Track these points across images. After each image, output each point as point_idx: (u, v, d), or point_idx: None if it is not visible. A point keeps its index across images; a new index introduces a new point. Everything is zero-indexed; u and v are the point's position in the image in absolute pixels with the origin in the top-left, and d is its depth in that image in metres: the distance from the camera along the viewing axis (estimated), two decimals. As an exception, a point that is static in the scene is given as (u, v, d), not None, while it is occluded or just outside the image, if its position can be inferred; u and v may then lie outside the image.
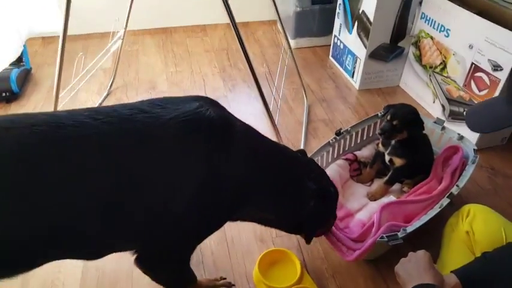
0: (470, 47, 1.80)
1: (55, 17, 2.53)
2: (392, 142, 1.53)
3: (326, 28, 2.64)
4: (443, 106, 2.03)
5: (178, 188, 0.92)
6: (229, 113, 1.04)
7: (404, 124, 1.46)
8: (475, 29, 1.77)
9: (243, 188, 1.03)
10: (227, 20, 1.39)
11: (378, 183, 1.61)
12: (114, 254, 1.00)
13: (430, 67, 2.08)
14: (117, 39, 2.22)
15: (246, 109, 2.13)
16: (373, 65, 2.26)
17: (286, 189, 1.13)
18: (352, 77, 2.38)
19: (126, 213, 0.89)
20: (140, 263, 1.01)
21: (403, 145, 1.50)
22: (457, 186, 1.40)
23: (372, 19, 2.09)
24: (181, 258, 1.07)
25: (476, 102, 1.83)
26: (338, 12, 2.43)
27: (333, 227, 1.40)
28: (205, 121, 0.94)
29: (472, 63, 1.81)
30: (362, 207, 1.51)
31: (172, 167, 0.91)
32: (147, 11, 2.73)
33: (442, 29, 1.96)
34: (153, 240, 0.96)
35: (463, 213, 1.26)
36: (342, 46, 2.46)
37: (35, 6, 2.53)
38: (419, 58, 2.16)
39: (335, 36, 2.52)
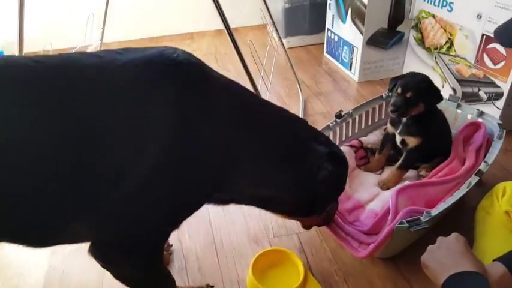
0: (479, 17, 1.62)
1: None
2: (404, 120, 1.31)
3: (318, 25, 2.48)
4: (454, 89, 1.82)
5: (138, 148, 0.70)
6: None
7: (419, 95, 1.24)
8: (482, -5, 1.59)
9: (229, 153, 0.80)
10: (215, 27, 1.26)
11: (389, 170, 1.37)
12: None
13: (435, 48, 1.89)
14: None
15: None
16: (372, 54, 2.07)
17: (289, 155, 0.89)
18: (350, 69, 2.19)
19: (71, 180, 0.68)
20: (95, 250, 0.76)
21: (417, 121, 1.28)
22: (485, 162, 1.17)
23: (365, 1, 1.92)
24: (149, 246, 0.80)
25: (492, 78, 1.63)
26: (329, 3, 2.27)
27: (341, 221, 1.17)
28: (174, 64, 0.74)
29: (483, 35, 1.61)
30: (373, 198, 1.28)
31: (129, 120, 0.70)
32: (134, 21, 2.65)
33: (444, 3, 1.78)
34: (108, 218, 0.72)
35: (497, 193, 1.04)
36: (336, 38, 2.28)
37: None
38: (421, 41, 1.97)
39: (328, 29, 2.35)
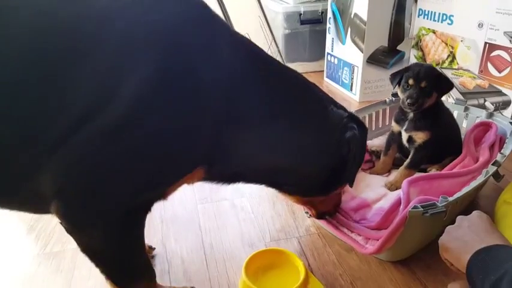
0: (480, 25, 1.58)
1: None
2: (410, 115, 1.22)
3: (318, 52, 2.47)
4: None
5: (117, 76, 0.59)
6: None
7: (433, 84, 1.15)
8: (481, 3, 1.57)
9: (229, 106, 0.68)
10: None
11: (397, 172, 1.26)
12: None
13: (437, 64, 1.84)
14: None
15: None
16: (373, 72, 2.03)
17: (307, 115, 0.78)
18: (351, 89, 2.14)
19: (31, 114, 0.57)
20: (60, 207, 0.63)
21: (424, 116, 1.19)
22: (502, 153, 1.07)
23: (365, 18, 1.91)
24: (120, 207, 0.65)
25: (497, 87, 1.56)
26: (329, 27, 2.27)
27: (344, 218, 1.05)
28: None
29: (486, 43, 1.57)
30: (381, 198, 1.15)
31: (112, 40, 0.60)
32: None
33: (444, 17, 1.76)
34: (72, 166, 0.60)
35: None
36: (336, 61, 2.25)
37: None
38: (422, 59, 1.93)
39: (328, 54, 2.33)
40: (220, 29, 0.72)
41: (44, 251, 1.10)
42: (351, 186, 0.94)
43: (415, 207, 0.87)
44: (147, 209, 0.71)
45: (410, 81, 1.16)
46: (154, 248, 1.08)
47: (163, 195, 0.71)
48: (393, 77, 1.24)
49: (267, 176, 0.84)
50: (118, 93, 0.59)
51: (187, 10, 0.68)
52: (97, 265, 0.71)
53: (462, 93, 1.72)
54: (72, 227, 0.66)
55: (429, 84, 1.14)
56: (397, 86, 1.22)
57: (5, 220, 1.24)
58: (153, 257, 1.06)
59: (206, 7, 0.71)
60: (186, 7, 0.68)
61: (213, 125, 0.68)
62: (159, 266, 1.03)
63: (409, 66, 1.22)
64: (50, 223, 1.20)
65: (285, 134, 0.76)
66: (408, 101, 1.15)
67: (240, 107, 0.70)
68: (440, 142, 1.21)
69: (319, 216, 1.04)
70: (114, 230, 0.67)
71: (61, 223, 0.66)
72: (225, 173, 0.79)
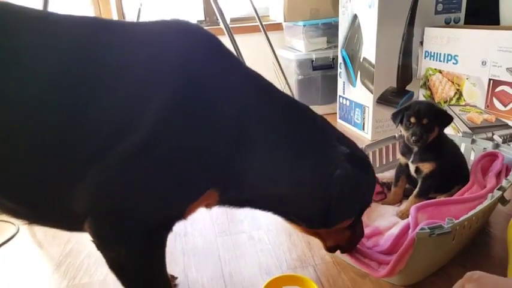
0: (484, 63, 1.67)
1: None
2: (415, 149, 1.29)
3: (330, 95, 2.58)
4: (468, 138, 1.81)
5: (141, 103, 0.68)
6: None
7: (433, 119, 1.23)
8: (484, 43, 1.66)
9: (241, 133, 0.76)
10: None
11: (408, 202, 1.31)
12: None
13: (445, 102, 1.92)
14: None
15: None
16: (383, 112, 2.11)
17: (309, 149, 0.83)
18: (363, 129, 2.22)
19: (66, 135, 0.67)
20: (91, 225, 0.71)
21: (428, 148, 1.26)
22: (507, 179, 1.12)
23: (374, 62, 2.02)
24: (145, 224, 0.73)
25: (504, 120, 1.62)
26: (340, 72, 2.39)
27: (358, 245, 1.09)
28: (192, 27, 0.77)
29: (490, 80, 1.65)
30: (392, 225, 1.20)
31: (139, 68, 0.70)
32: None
33: (449, 58, 1.85)
34: (102, 186, 0.69)
35: None
36: (348, 103, 2.35)
37: None
38: (431, 98, 2.01)
39: (340, 96, 2.44)
40: (232, 61, 0.81)
41: (73, 282, 1.17)
42: (330, 227, 0.93)
43: (422, 228, 0.92)
44: (169, 228, 0.78)
45: (412, 119, 1.24)
46: (177, 278, 1.14)
47: (183, 214, 0.78)
48: (395, 117, 1.32)
49: (272, 203, 0.89)
50: (142, 119, 0.67)
51: (202, 44, 0.77)
52: (123, 283, 0.78)
53: (471, 128, 1.78)
54: (102, 243, 0.73)
55: (430, 120, 1.22)
56: (399, 124, 1.30)
57: (35, 255, 1.32)
58: (175, 286, 1.12)
59: (219, 43, 0.81)
60: (201, 41, 0.77)
61: (225, 149, 0.75)
62: (181, 294, 1.08)
63: (409, 105, 1.30)
64: (78, 258, 1.28)
65: (286, 164, 0.82)
66: (413, 138, 1.23)
67: (249, 135, 0.77)
68: (447, 171, 1.26)
69: (329, 249, 1.07)
70: (139, 247, 0.74)
71: (92, 241, 0.74)
72: (238, 198, 0.86)
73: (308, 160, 0.84)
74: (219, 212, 1.50)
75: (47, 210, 0.75)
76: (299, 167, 0.83)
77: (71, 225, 0.77)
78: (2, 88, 0.65)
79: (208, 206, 0.86)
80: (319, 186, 0.85)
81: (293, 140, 0.83)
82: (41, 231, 1.45)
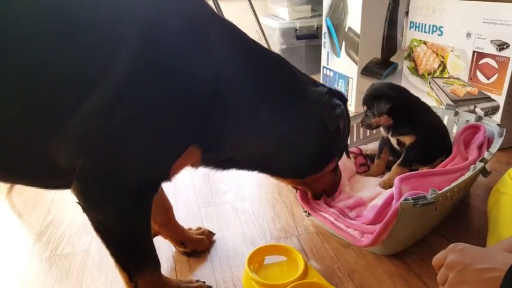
0: (468, 35, 1.67)
1: None
2: (391, 122, 1.30)
3: (314, 66, 2.55)
4: (450, 110, 1.83)
5: (112, 51, 0.65)
6: None
7: (371, 106, 1.26)
8: (469, 15, 1.66)
9: (218, 86, 0.73)
10: None
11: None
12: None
13: (429, 74, 1.92)
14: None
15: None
16: (367, 83, 2.06)
17: (290, 97, 0.83)
18: (347, 100, 2.21)
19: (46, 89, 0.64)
20: (77, 185, 0.70)
21: (404, 122, 1.27)
22: (489, 151, 1.14)
23: (359, 32, 2.00)
24: (131, 183, 0.71)
25: (486, 93, 1.64)
26: (324, 42, 2.36)
27: (341, 215, 1.10)
28: None
29: (474, 52, 1.66)
30: (376, 196, 1.21)
31: (105, 14, 0.66)
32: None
33: (434, 29, 1.84)
34: (84, 138, 0.67)
35: (510, 174, 1.00)
36: (331, 74, 2.33)
37: None
38: (415, 69, 2.02)
39: (323, 67, 2.42)
40: (206, 10, 0.78)
41: (55, 252, 1.15)
42: (348, 156, 1.01)
43: (406, 199, 0.93)
44: (154, 189, 0.77)
45: (364, 108, 1.29)
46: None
47: (167, 174, 0.77)
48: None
49: (258, 161, 0.89)
50: (111, 72, 0.65)
51: None
52: (108, 245, 0.77)
53: (453, 101, 1.79)
54: (87, 203, 0.72)
55: (369, 107, 1.26)
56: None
57: (15, 226, 1.30)
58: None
59: None
60: None
61: (202, 103, 0.73)
62: (165, 264, 1.07)
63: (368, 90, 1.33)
64: (60, 228, 1.26)
65: (269, 118, 0.81)
66: (361, 125, 1.32)
67: (226, 88, 0.75)
68: (429, 142, 1.27)
69: (316, 196, 1.09)
70: (125, 207, 0.73)
71: (78, 202, 0.72)
72: (219, 158, 0.85)
73: (290, 110, 0.84)
74: (202, 183, 1.49)
75: (31, 168, 0.73)
76: (283, 119, 0.83)
77: (58, 184, 0.75)
78: None
79: (194, 165, 0.85)
80: (310, 132, 0.87)
81: (273, 91, 0.82)
82: (20, 201, 1.42)
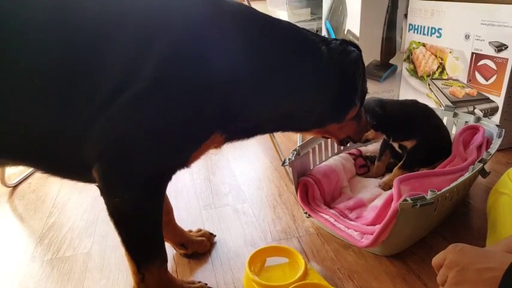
0: (467, 37, 1.68)
1: None
2: (391, 127, 1.30)
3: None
4: (449, 112, 1.83)
5: (141, 53, 0.70)
6: None
7: None
8: (467, 16, 1.67)
9: (234, 64, 0.77)
10: None
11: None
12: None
13: (428, 75, 1.93)
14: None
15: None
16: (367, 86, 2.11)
17: (305, 54, 0.85)
18: (347, 102, 2.22)
19: (74, 87, 0.69)
20: (98, 171, 0.73)
21: (403, 127, 1.28)
22: (488, 152, 1.14)
23: (358, 34, 2.01)
24: (150, 171, 0.75)
25: (485, 94, 1.64)
26: (324, 44, 2.37)
27: (342, 216, 1.11)
28: None
29: (473, 53, 1.66)
30: (375, 197, 1.22)
31: (138, 14, 0.72)
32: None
33: (433, 31, 1.85)
34: (112, 130, 0.71)
35: (509, 174, 1.00)
36: (331, 76, 2.34)
37: None
38: (414, 71, 2.02)
39: (323, 69, 2.42)
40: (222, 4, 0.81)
41: (57, 255, 1.16)
42: (342, 119, 0.98)
43: (405, 200, 0.93)
44: (170, 176, 0.80)
45: None
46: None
47: (186, 162, 0.80)
48: None
49: (281, 121, 0.91)
50: (142, 68, 0.69)
51: None
52: (120, 232, 0.79)
53: (452, 102, 1.80)
54: (107, 187, 0.74)
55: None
56: None
57: (17, 229, 1.30)
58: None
59: None
60: None
61: (225, 88, 0.77)
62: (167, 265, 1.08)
63: None
64: (61, 231, 1.27)
65: (289, 78, 0.83)
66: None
67: (246, 70, 0.78)
68: (431, 145, 1.28)
69: (341, 142, 1.11)
70: (141, 193, 0.75)
71: (97, 185, 0.75)
72: (243, 129, 0.87)
73: (309, 67, 0.85)
74: (203, 186, 1.50)
75: (61, 162, 0.77)
76: (303, 76, 0.85)
77: (83, 176, 0.79)
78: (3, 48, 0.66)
79: (217, 147, 0.87)
80: (331, 82, 0.88)
81: (288, 54, 0.84)
82: (21, 204, 1.43)
